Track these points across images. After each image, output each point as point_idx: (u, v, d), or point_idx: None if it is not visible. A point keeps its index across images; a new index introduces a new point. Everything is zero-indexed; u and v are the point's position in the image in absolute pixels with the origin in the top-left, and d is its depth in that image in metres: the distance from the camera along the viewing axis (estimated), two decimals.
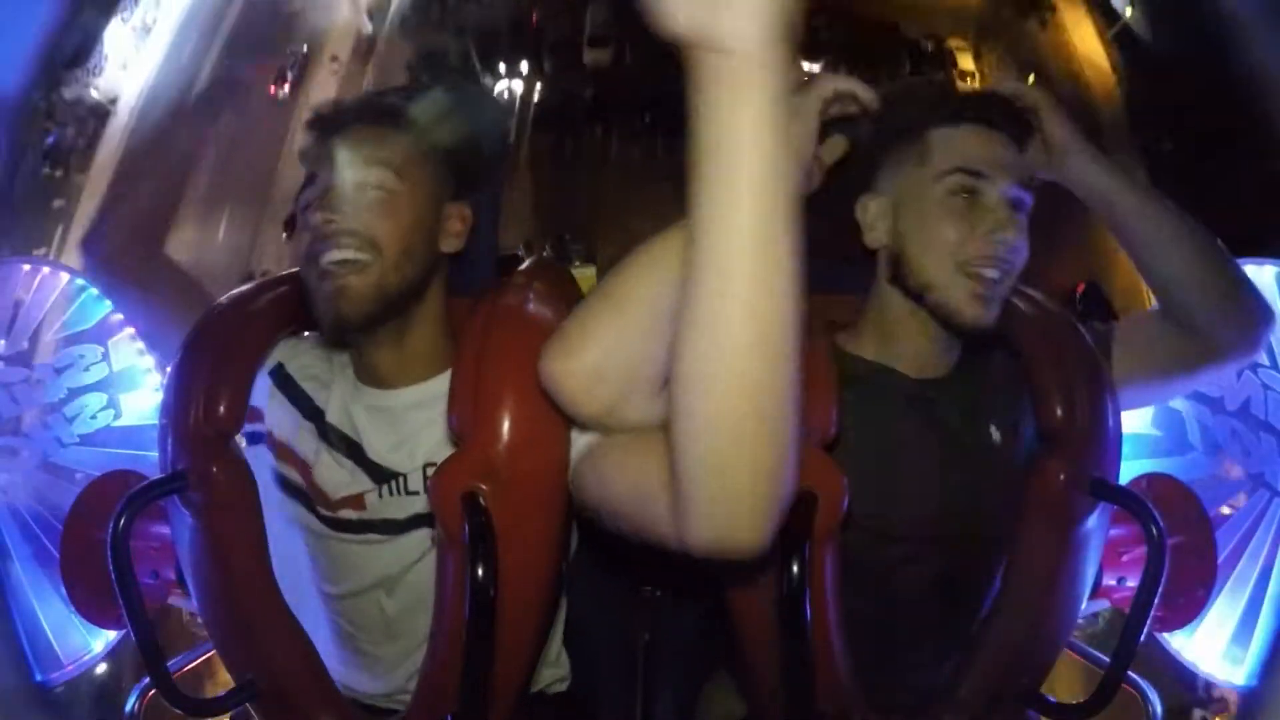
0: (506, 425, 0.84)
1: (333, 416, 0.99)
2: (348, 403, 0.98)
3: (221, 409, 0.93)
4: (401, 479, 0.96)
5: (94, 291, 1.40)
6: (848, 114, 0.88)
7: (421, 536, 0.96)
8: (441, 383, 0.93)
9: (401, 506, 0.96)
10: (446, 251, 0.97)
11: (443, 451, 0.94)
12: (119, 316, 1.42)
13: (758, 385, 0.55)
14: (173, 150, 1.18)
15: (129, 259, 1.14)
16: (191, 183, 1.23)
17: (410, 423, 0.96)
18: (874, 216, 0.95)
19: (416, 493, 0.95)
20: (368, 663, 1.01)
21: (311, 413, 1.00)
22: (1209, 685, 1.32)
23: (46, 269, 1.38)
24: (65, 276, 1.38)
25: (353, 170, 0.91)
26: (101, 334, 1.39)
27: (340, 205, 0.90)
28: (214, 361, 0.95)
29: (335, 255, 0.89)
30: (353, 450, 0.97)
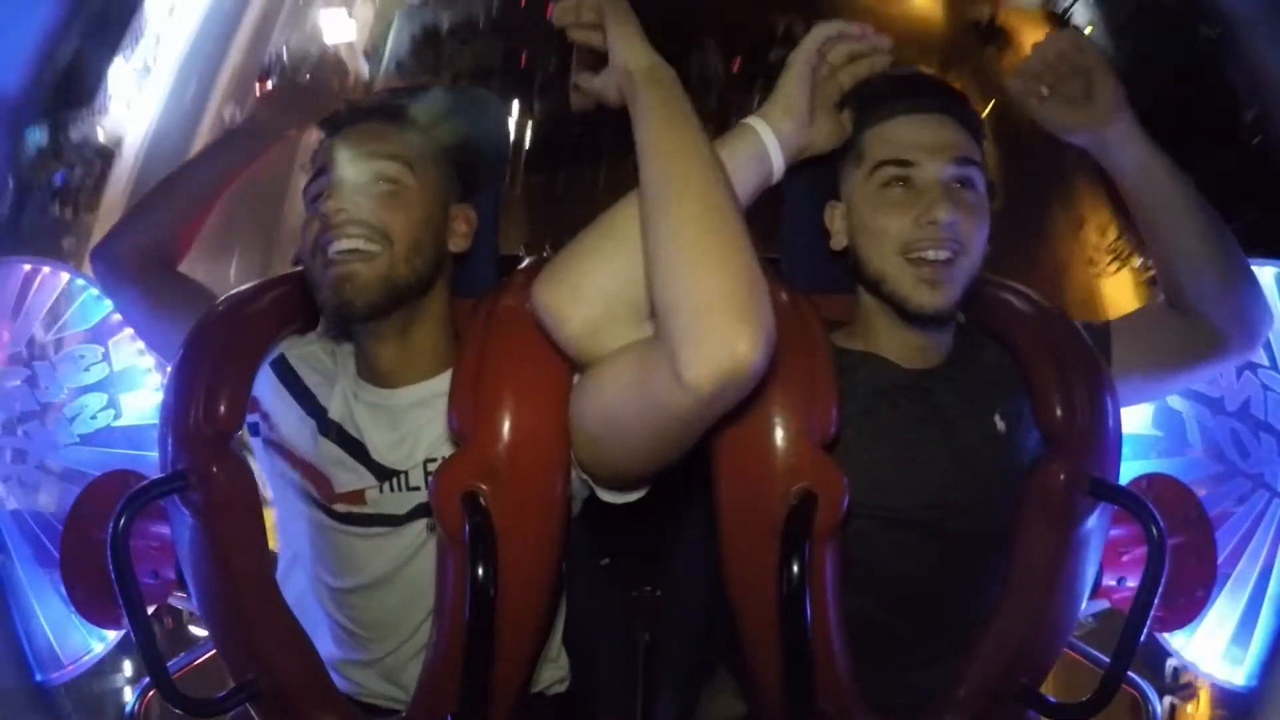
0: (506, 425, 0.84)
1: (335, 413, 0.99)
2: (350, 400, 0.99)
3: (222, 409, 0.94)
4: (402, 476, 0.96)
5: (94, 291, 1.40)
6: (861, 59, 0.88)
7: (420, 528, 0.96)
8: (442, 381, 0.93)
9: (401, 502, 0.96)
10: (453, 251, 0.97)
11: (442, 448, 0.94)
12: (119, 316, 1.42)
13: (711, 219, 0.70)
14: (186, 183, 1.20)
15: (139, 272, 1.16)
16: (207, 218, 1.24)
17: (411, 420, 0.97)
18: (835, 221, 0.98)
19: (417, 488, 0.95)
20: (367, 659, 1.01)
21: (313, 409, 1.00)
22: (1177, 671, 1.32)
23: (46, 269, 1.38)
24: (65, 276, 1.38)
25: (364, 163, 0.92)
26: (102, 334, 1.39)
27: (351, 196, 0.90)
28: (214, 361, 0.95)
29: (344, 244, 0.89)
30: (354, 448, 0.97)
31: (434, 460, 0.95)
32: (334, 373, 1.01)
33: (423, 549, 0.96)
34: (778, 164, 0.84)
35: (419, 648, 0.97)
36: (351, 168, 0.92)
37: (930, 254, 0.90)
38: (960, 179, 0.91)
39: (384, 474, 0.96)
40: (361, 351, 0.99)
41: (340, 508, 0.97)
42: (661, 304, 0.70)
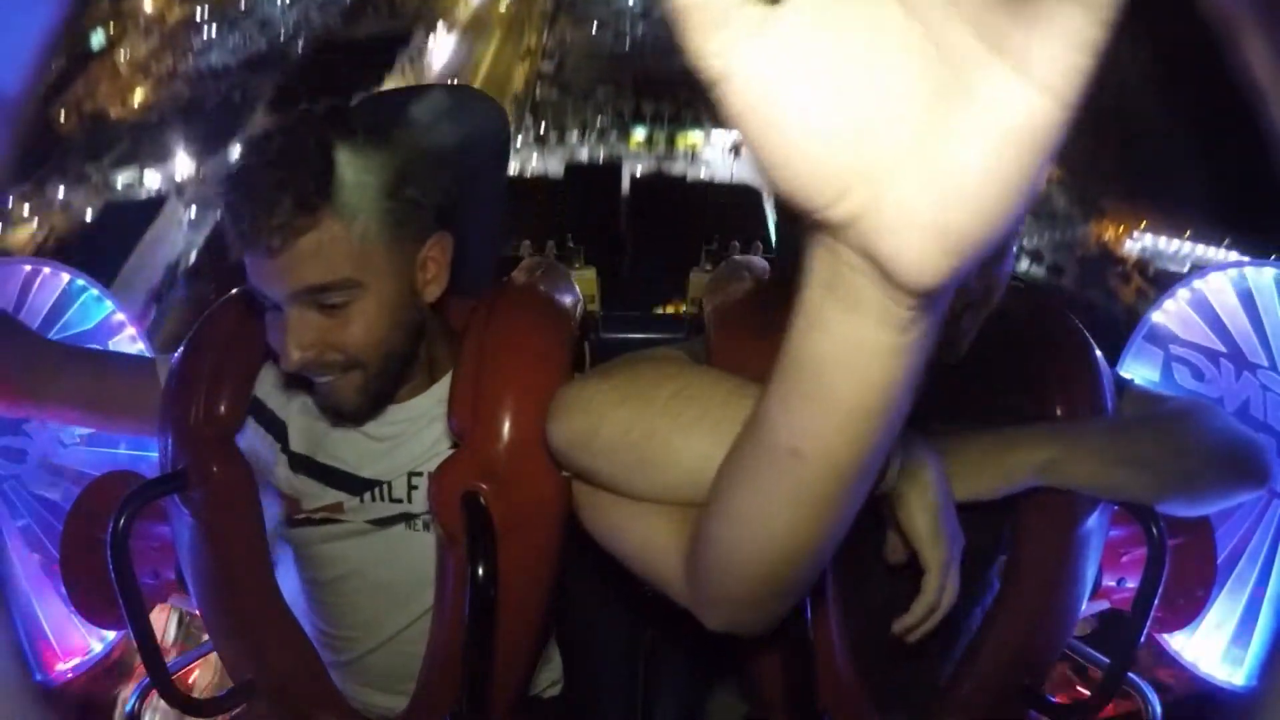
0: (506, 425, 0.84)
1: (297, 445, 0.96)
2: (318, 430, 0.96)
3: (222, 408, 0.94)
4: (384, 486, 0.94)
5: (94, 292, 1.40)
6: None
7: (398, 531, 0.94)
8: (429, 397, 0.93)
9: (381, 510, 0.94)
10: (431, 300, 0.90)
11: (425, 459, 0.93)
12: (120, 316, 1.42)
13: (799, 556, 0.55)
14: None
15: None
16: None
17: (395, 436, 0.95)
18: None
19: (400, 500, 0.94)
20: (342, 660, 1.00)
21: (279, 434, 0.97)
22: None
23: (47, 269, 1.38)
24: (66, 277, 1.38)
25: (301, 301, 0.82)
26: (102, 334, 1.39)
27: (303, 339, 0.82)
28: (215, 361, 0.95)
29: (320, 378, 0.86)
30: (326, 474, 0.95)
31: (418, 473, 0.93)
32: (305, 402, 0.96)
33: (400, 552, 0.94)
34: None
35: (399, 652, 0.96)
36: (288, 309, 0.82)
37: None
38: None
39: (364, 486, 0.94)
40: None
41: (317, 516, 0.96)
42: (706, 558, 0.62)
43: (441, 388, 0.94)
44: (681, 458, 0.69)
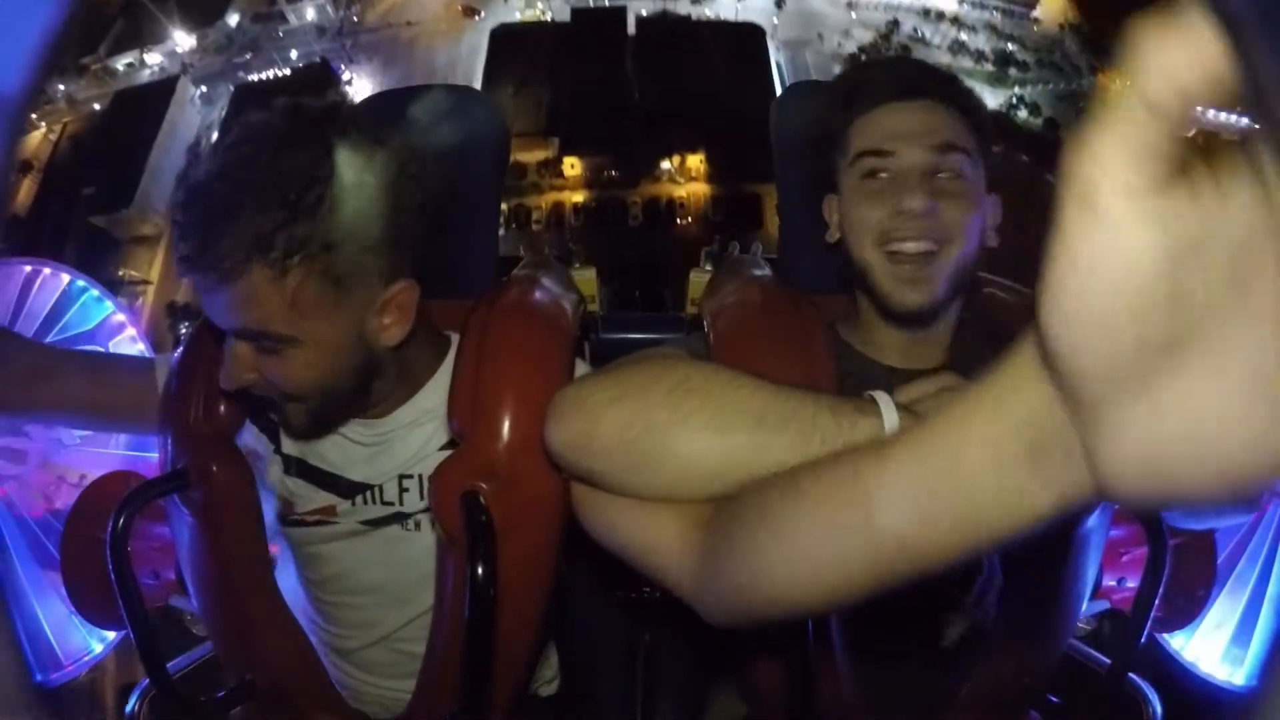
0: (506, 424, 0.84)
1: (289, 447, 0.96)
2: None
3: (222, 408, 0.94)
4: (375, 490, 0.94)
5: (95, 293, 1.40)
6: None
7: (393, 532, 0.95)
8: (409, 409, 0.93)
9: (373, 512, 0.95)
10: (389, 345, 0.86)
11: (414, 462, 0.93)
12: (120, 317, 1.42)
13: (846, 600, 0.54)
14: None
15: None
16: None
17: (385, 440, 0.95)
18: (832, 214, 0.97)
19: (391, 503, 0.94)
20: (341, 649, 1.00)
21: (272, 436, 0.98)
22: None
23: (48, 270, 1.38)
24: (66, 278, 1.38)
25: (239, 334, 0.81)
26: (103, 335, 1.39)
27: (240, 370, 0.82)
28: (215, 361, 0.95)
29: (274, 414, 0.88)
30: (317, 476, 0.96)
31: (409, 475, 0.93)
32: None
33: (396, 552, 0.95)
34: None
35: (395, 650, 0.96)
36: (231, 339, 0.82)
37: (909, 246, 0.87)
38: (942, 166, 0.88)
39: (354, 490, 0.95)
40: None
41: (310, 518, 0.96)
42: (751, 574, 0.62)
43: (425, 397, 0.94)
44: (682, 451, 0.68)
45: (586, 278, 1.41)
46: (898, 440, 0.47)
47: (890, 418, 0.71)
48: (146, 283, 19.53)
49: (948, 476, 0.43)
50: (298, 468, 0.96)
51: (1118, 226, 0.31)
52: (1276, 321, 0.30)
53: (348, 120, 0.80)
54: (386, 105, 1.06)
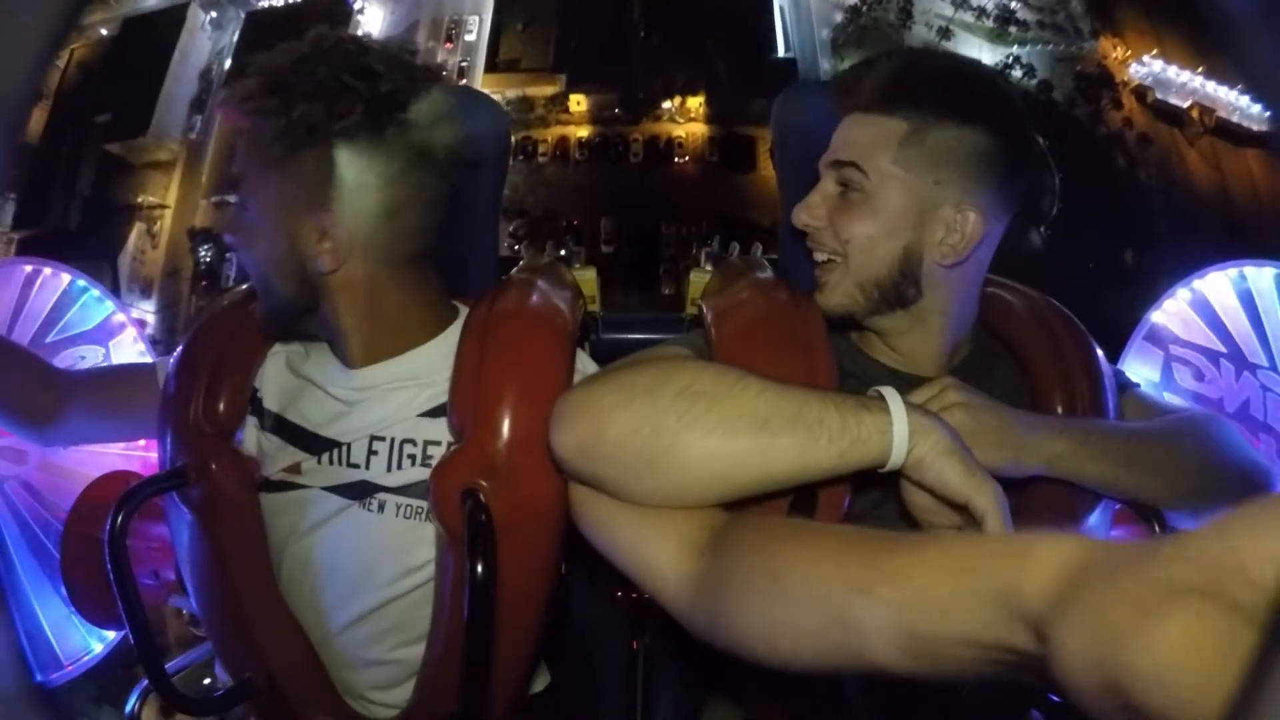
0: (506, 423, 0.84)
1: (271, 403, 0.97)
2: (289, 386, 0.97)
3: (221, 406, 0.94)
4: (344, 448, 0.93)
5: (95, 293, 1.40)
6: None
7: (356, 511, 0.92)
8: (392, 366, 0.93)
9: (338, 475, 0.93)
10: (325, 270, 0.88)
11: (388, 424, 0.92)
12: (121, 317, 1.42)
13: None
14: None
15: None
16: None
17: (356, 401, 0.94)
18: None
19: (357, 465, 0.92)
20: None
21: (257, 408, 0.98)
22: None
23: (48, 270, 1.38)
24: (66, 278, 1.39)
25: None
26: (103, 335, 1.39)
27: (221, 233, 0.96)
28: (215, 359, 0.95)
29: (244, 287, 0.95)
30: (291, 432, 0.95)
31: (380, 438, 0.92)
32: (287, 359, 1.00)
33: (355, 536, 0.92)
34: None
35: (350, 652, 0.94)
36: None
37: (815, 255, 0.92)
38: (839, 180, 0.90)
39: (323, 446, 0.93)
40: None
41: (275, 477, 0.95)
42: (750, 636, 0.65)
43: (417, 358, 0.93)
44: (690, 456, 0.69)
45: (587, 278, 1.40)
46: (884, 582, 0.55)
47: (899, 414, 0.71)
48: (164, 207, 20.09)
49: (925, 622, 0.51)
50: (274, 423, 0.96)
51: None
52: None
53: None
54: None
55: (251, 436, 0.96)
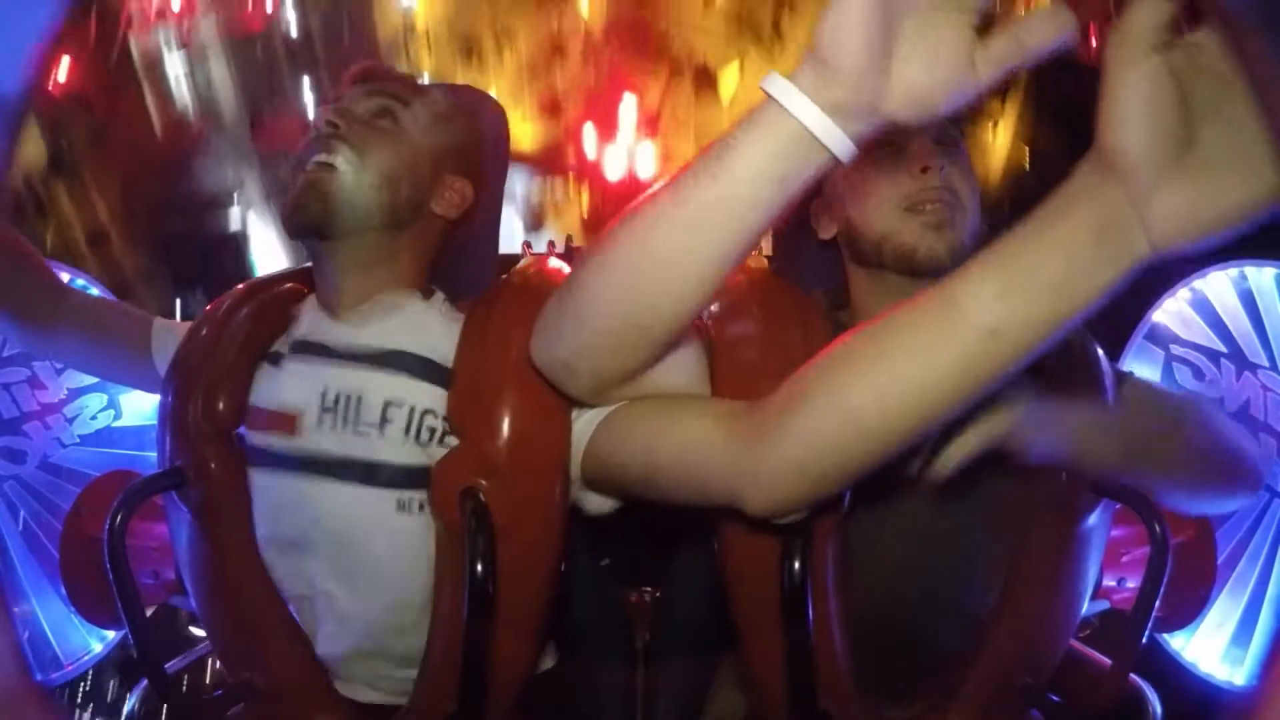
0: (506, 421, 0.84)
1: (298, 332, 0.96)
2: (319, 320, 0.96)
3: (221, 405, 0.94)
4: (354, 400, 0.89)
5: (95, 292, 1.40)
6: None
7: (355, 492, 0.88)
8: (389, 307, 0.93)
9: (341, 444, 0.89)
10: (437, 212, 0.96)
11: (407, 393, 0.89)
12: None
13: (921, 425, 0.62)
14: None
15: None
16: None
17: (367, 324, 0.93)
18: (820, 215, 1.00)
19: (366, 434, 0.88)
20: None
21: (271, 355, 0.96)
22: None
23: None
24: (65, 277, 1.38)
25: (369, 96, 0.96)
26: None
27: (346, 118, 0.92)
28: (214, 357, 0.95)
29: (322, 157, 0.91)
30: (309, 351, 0.93)
31: (394, 405, 0.88)
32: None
33: (311, 498, 0.89)
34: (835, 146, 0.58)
35: (354, 648, 0.93)
36: (355, 95, 0.96)
37: (929, 206, 0.91)
38: (946, 141, 0.93)
39: (326, 400, 0.90)
40: (326, 284, 0.96)
41: (258, 439, 0.92)
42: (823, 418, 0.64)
43: (405, 314, 0.93)
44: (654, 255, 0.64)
45: None
46: (982, 260, 0.57)
47: (785, 91, 0.56)
48: None
49: (1031, 273, 0.54)
50: (299, 348, 0.94)
51: (1149, 67, 0.49)
52: (1249, 114, 0.49)
53: None
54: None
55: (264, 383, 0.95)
